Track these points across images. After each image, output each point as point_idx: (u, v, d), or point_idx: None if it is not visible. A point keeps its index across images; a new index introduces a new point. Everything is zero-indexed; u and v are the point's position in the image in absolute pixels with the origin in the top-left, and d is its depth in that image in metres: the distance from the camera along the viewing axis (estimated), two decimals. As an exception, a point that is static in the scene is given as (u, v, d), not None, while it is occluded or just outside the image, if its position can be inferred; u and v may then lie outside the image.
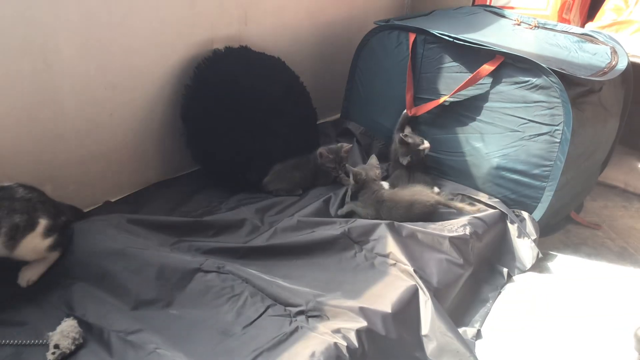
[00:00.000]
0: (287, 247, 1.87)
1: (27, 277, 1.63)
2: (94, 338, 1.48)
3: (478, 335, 1.74)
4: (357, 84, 2.64)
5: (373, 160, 2.22)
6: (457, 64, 2.27)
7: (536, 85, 2.06)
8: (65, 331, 1.44)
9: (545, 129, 2.05)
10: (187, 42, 2.24)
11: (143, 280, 1.66)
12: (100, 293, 1.63)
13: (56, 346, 1.41)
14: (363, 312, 1.55)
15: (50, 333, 1.45)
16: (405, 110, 2.39)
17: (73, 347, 1.43)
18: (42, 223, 1.61)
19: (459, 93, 2.23)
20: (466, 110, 2.25)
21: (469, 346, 1.63)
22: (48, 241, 1.63)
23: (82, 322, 1.50)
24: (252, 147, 2.24)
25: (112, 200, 2.14)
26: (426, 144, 2.26)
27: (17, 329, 1.50)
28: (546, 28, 2.59)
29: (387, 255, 1.82)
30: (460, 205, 2.08)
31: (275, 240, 1.90)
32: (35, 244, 1.60)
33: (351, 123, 2.67)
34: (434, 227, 1.95)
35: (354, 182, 2.13)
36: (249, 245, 1.88)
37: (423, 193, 2.08)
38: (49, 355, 1.40)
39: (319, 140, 2.56)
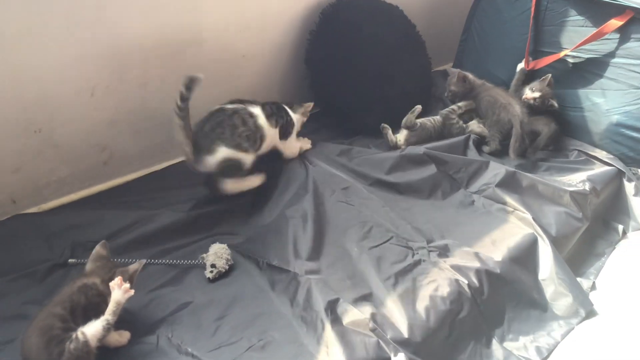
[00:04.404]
0: (409, 181, 1.99)
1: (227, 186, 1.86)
2: (244, 260, 1.66)
3: (593, 287, 1.79)
4: (473, 34, 2.64)
5: None
6: (582, 17, 2.23)
7: (667, 43, 2.01)
8: (219, 253, 1.61)
9: (672, 88, 2.02)
10: (314, -12, 2.31)
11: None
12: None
13: (213, 265, 1.59)
14: (482, 254, 1.65)
15: (205, 255, 1.62)
16: (521, 63, 2.39)
17: (227, 267, 1.60)
18: None
19: (582, 47, 2.21)
20: (589, 65, 2.22)
21: (585, 295, 1.70)
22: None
23: (230, 247, 1.68)
24: (371, 92, 2.30)
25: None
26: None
27: (179, 252, 1.71)
28: (676, -15, 2.48)
29: (505, 204, 1.89)
30: None
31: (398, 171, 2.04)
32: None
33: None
34: (554, 180, 1.99)
35: None
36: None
37: (509, 109, 2.19)
38: (208, 273, 1.58)
39: (431, 89, 2.60)
